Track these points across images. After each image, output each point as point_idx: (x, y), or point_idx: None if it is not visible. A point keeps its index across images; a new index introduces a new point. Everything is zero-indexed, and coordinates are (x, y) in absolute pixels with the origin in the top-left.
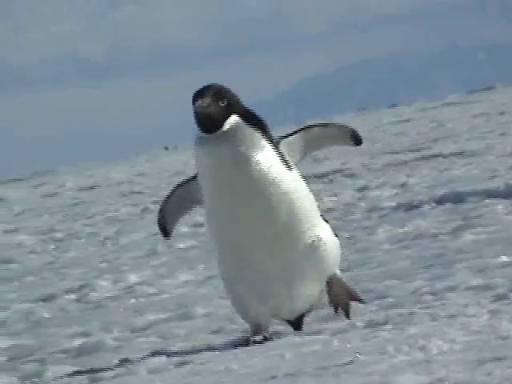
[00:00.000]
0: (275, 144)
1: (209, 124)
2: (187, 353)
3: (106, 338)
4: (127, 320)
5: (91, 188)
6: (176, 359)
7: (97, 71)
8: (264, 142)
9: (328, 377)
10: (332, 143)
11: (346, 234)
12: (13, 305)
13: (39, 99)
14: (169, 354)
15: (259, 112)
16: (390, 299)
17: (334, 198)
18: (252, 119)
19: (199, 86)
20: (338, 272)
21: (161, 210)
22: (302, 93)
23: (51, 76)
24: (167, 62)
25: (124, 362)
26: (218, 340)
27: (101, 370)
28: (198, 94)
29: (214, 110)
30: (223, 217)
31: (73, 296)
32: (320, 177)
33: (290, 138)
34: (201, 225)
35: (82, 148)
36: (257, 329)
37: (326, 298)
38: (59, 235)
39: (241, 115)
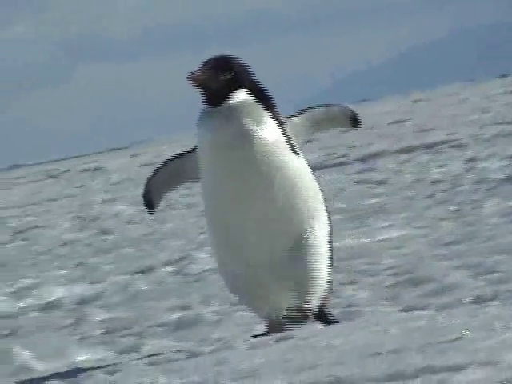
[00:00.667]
0: (282, 125)
1: (211, 97)
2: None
3: (204, 312)
4: (227, 293)
5: None
6: (277, 334)
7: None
8: (271, 122)
9: (434, 353)
10: (332, 125)
11: (454, 207)
12: (110, 277)
13: (140, 68)
14: None
15: (362, 80)
16: (499, 274)
17: (442, 170)
18: (261, 95)
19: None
20: (313, 302)
21: (148, 182)
22: (406, 61)
23: (152, 46)
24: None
25: (223, 336)
26: None
27: (199, 345)
28: (201, 65)
29: (210, 81)
30: (219, 200)
31: (171, 268)
32: (427, 147)
33: (295, 120)
34: None
35: (181, 118)
36: (271, 321)
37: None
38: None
39: (249, 90)
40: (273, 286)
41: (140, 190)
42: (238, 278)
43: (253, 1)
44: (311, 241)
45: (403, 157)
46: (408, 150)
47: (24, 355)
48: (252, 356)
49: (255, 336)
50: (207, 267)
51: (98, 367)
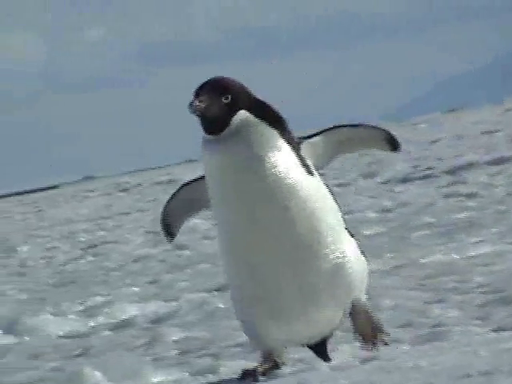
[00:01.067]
0: (295, 144)
1: (212, 124)
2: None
3: None
4: None
5: None
6: (361, 355)
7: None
8: (280, 141)
9: None
10: (364, 146)
11: None
12: (185, 294)
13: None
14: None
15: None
16: None
17: None
18: (267, 114)
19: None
20: (363, 297)
21: (165, 209)
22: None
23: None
24: None
25: (304, 357)
26: (405, 335)
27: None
28: (196, 93)
29: (214, 108)
30: (233, 227)
31: None
32: None
33: (313, 139)
34: (389, 210)
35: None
36: (268, 355)
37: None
38: None
39: (251, 110)
40: (301, 320)
41: None
42: (253, 301)
43: (359, 5)
44: (341, 260)
45: (494, 169)
46: (500, 161)
47: (96, 376)
48: (335, 378)
49: (263, 373)
50: None
51: None
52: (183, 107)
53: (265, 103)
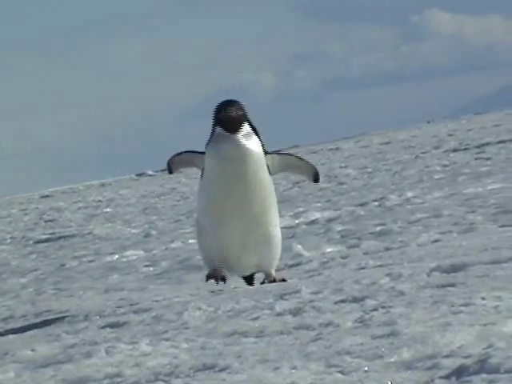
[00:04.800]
0: (264, 151)
1: (232, 126)
2: None
3: None
4: None
5: None
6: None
7: None
8: (261, 149)
9: None
10: (295, 173)
11: None
12: None
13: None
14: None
15: None
16: None
17: None
18: (253, 127)
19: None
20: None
21: (173, 156)
22: None
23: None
24: None
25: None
26: None
27: None
28: (226, 105)
29: (237, 116)
30: (215, 193)
31: None
32: None
33: (275, 156)
34: None
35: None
36: (213, 273)
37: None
38: None
39: (249, 124)
40: (239, 259)
41: None
42: (211, 238)
43: None
44: (275, 234)
45: None
46: None
47: None
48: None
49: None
50: None
51: None
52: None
53: (250, 120)
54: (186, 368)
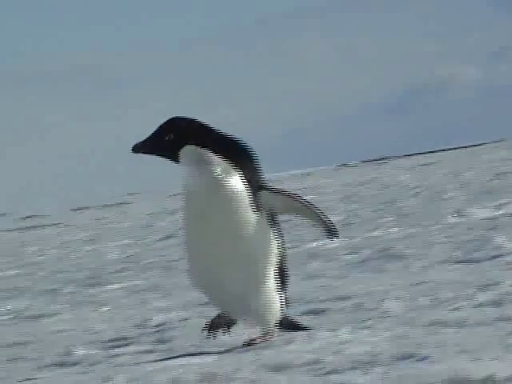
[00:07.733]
0: (252, 181)
1: (163, 157)
2: None
3: None
4: None
5: None
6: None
7: None
8: (233, 172)
9: None
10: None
11: None
12: None
13: None
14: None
15: None
16: None
17: None
18: (219, 147)
19: None
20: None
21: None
22: None
23: None
24: None
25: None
26: None
27: None
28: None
29: (154, 145)
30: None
31: None
32: None
33: (277, 194)
34: None
35: None
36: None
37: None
38: None
39: (199, 144)
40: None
41: None
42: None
43: None
44: (262, 281)
45: None
46: None
47: None
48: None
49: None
50: None
51: None
52: None
53: (225, 138)
54: (385, 357)
